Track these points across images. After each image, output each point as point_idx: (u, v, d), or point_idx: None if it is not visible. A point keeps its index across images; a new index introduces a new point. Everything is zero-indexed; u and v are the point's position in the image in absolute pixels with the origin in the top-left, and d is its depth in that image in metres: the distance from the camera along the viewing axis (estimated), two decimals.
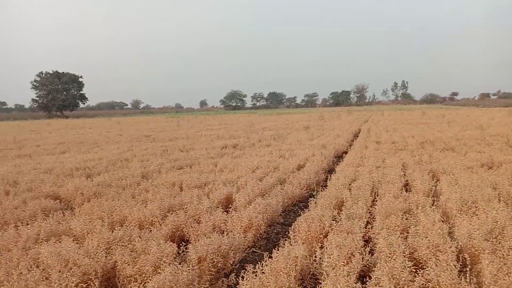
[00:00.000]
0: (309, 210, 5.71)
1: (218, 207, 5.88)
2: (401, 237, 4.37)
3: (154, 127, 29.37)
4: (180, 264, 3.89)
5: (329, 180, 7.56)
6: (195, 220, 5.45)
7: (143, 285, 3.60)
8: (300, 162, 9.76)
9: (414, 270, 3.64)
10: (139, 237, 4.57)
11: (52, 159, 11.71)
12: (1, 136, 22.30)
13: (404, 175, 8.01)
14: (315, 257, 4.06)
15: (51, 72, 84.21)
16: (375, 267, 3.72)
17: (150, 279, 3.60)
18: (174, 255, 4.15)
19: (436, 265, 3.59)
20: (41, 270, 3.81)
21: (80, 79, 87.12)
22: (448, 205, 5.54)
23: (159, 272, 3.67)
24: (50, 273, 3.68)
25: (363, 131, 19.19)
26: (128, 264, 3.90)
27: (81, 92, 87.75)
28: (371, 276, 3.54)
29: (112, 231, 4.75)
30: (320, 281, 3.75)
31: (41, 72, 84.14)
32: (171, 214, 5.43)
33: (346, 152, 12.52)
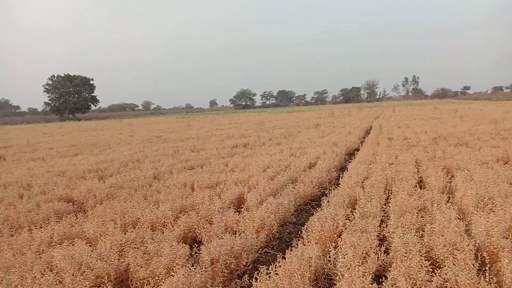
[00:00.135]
0: (321, 209, 5.64)
1: (230, 207, 5.86)
2: (417, 236, 4.28)
3: (165, 127, 29.51)
4: (192, 266, 3.86)
5: (341, 178, 7.48)
6: (207, 220, 5.43)
7: None
8: (312, 160, 9.69)
9: (431, 269, 3.56)
10: (152, 239, 4.56)
11: (64, 162, 11.82)
12: (15, 140, 22.62)
13: (418, 171, 7.89)
14: (329, 257, 4.00)
15: (63, 75, 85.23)
16: (390, 266, 3.65)
17: (163, 282, 3.59)
18: (187, 257, 4.13)
19: (454, 264, 3.50)
20: (55, 273, 3.82)
21: (91, 82, 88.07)
22: (464, 201, 5.43)
23: (172, 275, 3.66)
24: (63, 277, 3.69)
25: (375, 128, 19.00)
26: (141, 267, 3.89)
27: (92, 94, 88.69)
28: (387, 276, 3.47)
29: (125, 233, 4.76)
30: (334, 282, 3.69)
31: (53, 76, 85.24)
32: (183, 215, 5.42)
33: (357, 149, 12.38)
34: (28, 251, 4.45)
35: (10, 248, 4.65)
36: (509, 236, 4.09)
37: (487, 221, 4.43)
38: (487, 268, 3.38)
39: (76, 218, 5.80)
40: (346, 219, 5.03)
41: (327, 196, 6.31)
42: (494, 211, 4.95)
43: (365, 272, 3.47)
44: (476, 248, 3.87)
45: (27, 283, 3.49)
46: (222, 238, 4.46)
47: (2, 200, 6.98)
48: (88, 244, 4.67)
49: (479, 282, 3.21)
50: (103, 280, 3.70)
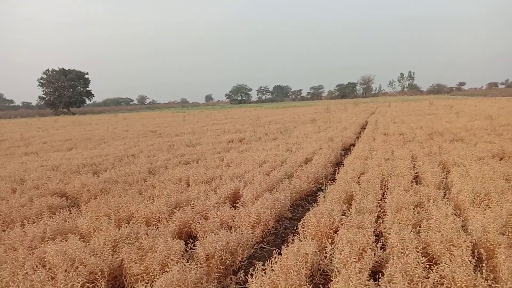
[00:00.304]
0: (318, 204, 5.61)
1: (225, 203, 5.81)
2: (413, 232, 4.25)
3: (160, 122, 29.37)
4: (187, 261, 3.82)
5: (337, 173, 7.45)
6: (202, 216, 5.38)
7: (150, 284, 3.53)
8: (308, 156, 9.65)
9: (427, 266, 3.54)
10: (146, 234, 4.51)
11: (58, 156, 11.72)
12: (9, 134, 22.41)
13: (414, 167, 7.88)
14: (326, 253, 3.98)
15: (57, 69, 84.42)
16: (387, 263, 3.62)
17: (158, 278, 3.54)
18: (182, 253, 4.09)
19: (451, 261, 3.48)
20: (47, 269, 3.77)
21: (86, 76, 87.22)
22: (460, 197, 5.41)
23: (166, 271, 3.61)
24: (56, 273, 3.63)
25: (370, 123, 19.00)
26: (135, 263, 3.84)
27: (87, 88, 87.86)
28: (384, 272, 3.44)
29: (119, 229, 4.71)
30: (331, 278, 3.66)
31: (48, 70, 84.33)
32: (178, 210, 5.37)
33: (353, 145, 12.38)
34: (20, 246, 4.38)
35: (1, 243, 4.58)
36: (506, 232, 4.08)
37: (484, 217, 4.42)
38: (483, 265, 3.37)
39: (70, 213, 5.74)
40: (343, 215, 5.00)
41: (323, 192, 6.28)
42: (490, 207, 4.94)
43: (362, 269, 3.44)
44: (472, 244, 3.86)
45: (18, 279, 3.42)
46: (217, 234, 4.42)
47: None
48: (81, 239, 4.62)
49: (476, 279, 3.19)
50: (97, 277, 3.65)
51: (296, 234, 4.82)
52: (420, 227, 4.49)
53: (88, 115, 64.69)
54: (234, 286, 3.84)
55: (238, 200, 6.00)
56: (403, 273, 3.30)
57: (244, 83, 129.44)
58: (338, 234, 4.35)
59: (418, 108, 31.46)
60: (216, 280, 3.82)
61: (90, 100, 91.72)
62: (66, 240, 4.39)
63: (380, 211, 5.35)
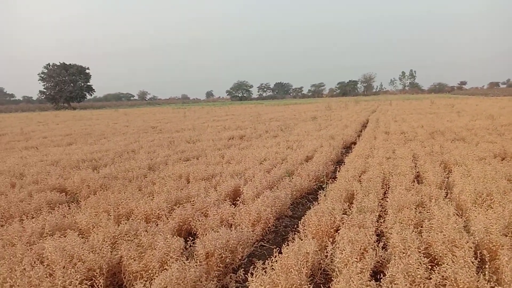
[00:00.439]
0: (318, 203, 5.57)
1: (225, 200, 5.77)
2: (415, 232, 4.22)
3: (160, 118, 29.30)
4: (187, 259, 3.78)
5: (338, 171, 7.41)
6: (202, 213, 5.35)
7: (149, 282, 3.50)
8: (308, 154, 9.61)
9: (429, 266, 3.51)
10: (146, 231, 4.47)
11: (58, 151, 11.67)
12: (9, 128, 22.36)
13: (415, 166, 7.83)
14: (326, 252, 3.94)
15: (59, 64, 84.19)
16: (389, 263, 3.58)
17: (157, 276, 3.50)
18: (181, 250, 4.05)
19: (453, 262, 3.45)
20: (45, 266, 3.74)
21: (87, 71, 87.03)
22: (462, 197, 5.38)
23: (165, 268, 3.58)
24: (54, 270, 3.59)
25: (371, 121, 18.94)
26: (134, 260, 3.80)
27: (88, 83, 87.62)
28: (385, 273, 3.41)
29: (118, 225, 4.67)
30: (331, 277, 3.63)
31: (49, 64, 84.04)
32: (178, 207, 5.33)
33: (354, 143, 12.32)
34: (19, 242, 4.34)
35: (0, 239, 4.55)
36: (508, 234, 4.04)
37: (486, 217, 4.38)
38: (486, 266, 3.33)
39: (69, 208, 5.70)
40: (344, 214, 4.96)
41: (324, 190, 6.24)
42: (492, 208, 4.91)
43: (363, 269, 3.41)
44: (475, 245, 3.82)
45: (16, 275, 3.39)
46: (217, 231, 4.39)
47: None
48: (80, 235, 4.58)
49: (478, 280, 3.15)
50: (95, 273, 3.61)
51: (296, 232, 4.79)
52: (422, 227, 4.46)
53: (89, 110, 64.64)
54: (234, 284, 3.81)
55: (238, 198, 5.95)
56: (405, 274, 3.26)
57: (245, 79, 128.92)
58: (339, 233, 4.31)
59: (419, 107, 31.38)
60: (216, 279, 3.79)
61: (91, 95, 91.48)
62: (64, 236, 4.36)
63: (381, 211, 5.31)
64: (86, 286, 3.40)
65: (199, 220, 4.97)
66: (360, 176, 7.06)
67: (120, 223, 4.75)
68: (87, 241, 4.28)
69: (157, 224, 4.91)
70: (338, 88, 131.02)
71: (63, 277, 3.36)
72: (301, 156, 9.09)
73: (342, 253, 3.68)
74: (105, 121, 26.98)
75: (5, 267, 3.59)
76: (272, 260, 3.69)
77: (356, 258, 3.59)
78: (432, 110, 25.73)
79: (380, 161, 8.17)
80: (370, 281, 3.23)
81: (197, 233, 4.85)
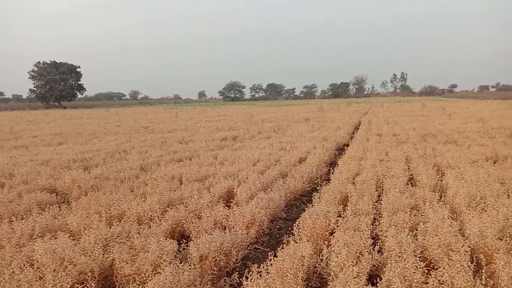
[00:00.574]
0: (313, 205, 5.53)
1: (219, 202, 5.72)
2: (410, 235, 4.20)
3: (152, 118, 29.10)
4: (181, 262, 3.72)
5: (332, 173, 7.39)
6: (195, 215, 5.28)
7: (142, 286, 3.43)
8: (302, 155, 9.59)
9: (425, 270, 3.49)
10: (138, 233, 4.40)
11: (49, 151, 11.51)
12: None
13: (409, 168, 7.85)
14: (322, 256, 3.90)
15: (49, 62, 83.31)
16: (385, 267, 3.56)
17: (150, 279, 3.44)
18: (175, 253, 3.99)
19: (449, 266, 3.43)
20: (35, 269, 3.65)
21: (78, 69, 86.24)
22: (456, 200, 5.38)
23: (159, 272, 3.51)
24: (44, 273, 3.51)
25: (364, 123, 19.00)
26: (127, 263, 3.73)
27: (79, 82, 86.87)
28: (381, 277, 3.38)
29: (110, 227, 4.59)
30: (327, 281, 3.59)
31: (39, 62, 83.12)
32: (171, 209, 5.27)
33: (347, 145, 12.34)
34: (8, 244, 4.24)
35: None
36: (504, 237, 4.04)
37: (481, 221, 4.38)
38: (483, 271, 3.32)
39: (60, 209, 5.60)
40: (338, 216, 4.93)
41: (318, 192, 6.21)
42: (486, 211, 4.91)
43: (359, 273, 3.37)
44: (470, 249, 3.81)
45: (4, 279, 3.30)
46: (211, 234, 4.33)
47: None
48: (71, 237, 4.48)
49: (475, 285, 3.14)
50: (87, 277, 3.53)
51: (291, 235, 4.74)
52: (417, 230, 4.44)
53: (80, 109, 64.07)
54: None
55: (232, 199, 5.90)
56: (402, 278, 3.24)
57: (238, 80, 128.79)
58: (334, 236, 4.28)
59: (411, 109, 31.59)
60: (210, 282, 3.73)
61: (82, 94, 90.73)
62: (55, 238, 4.27)
63: (376, 213, 5.30)
64: None
65: (192, 222, 4.91)
66: (353, 178, 7.04)
67: (112, 225, 4.66)
68: (78, 243, 4.20)
69: (150, 226, 4.84)
70: (330, 90, 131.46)
71: (53, 281, 3.28)
72: (295, 158, 9.06)
73: (338, 257, 3.64)
74: (96, 121, 26.73)
75: None
76: (267, 263, 3.65)
77: (352, 262, 3.56)
78: (424, 112, 25.90)
79: (373, 163, 8.17)
80: (366, 285, 3.20)
81: (191, 235, 4.79)
